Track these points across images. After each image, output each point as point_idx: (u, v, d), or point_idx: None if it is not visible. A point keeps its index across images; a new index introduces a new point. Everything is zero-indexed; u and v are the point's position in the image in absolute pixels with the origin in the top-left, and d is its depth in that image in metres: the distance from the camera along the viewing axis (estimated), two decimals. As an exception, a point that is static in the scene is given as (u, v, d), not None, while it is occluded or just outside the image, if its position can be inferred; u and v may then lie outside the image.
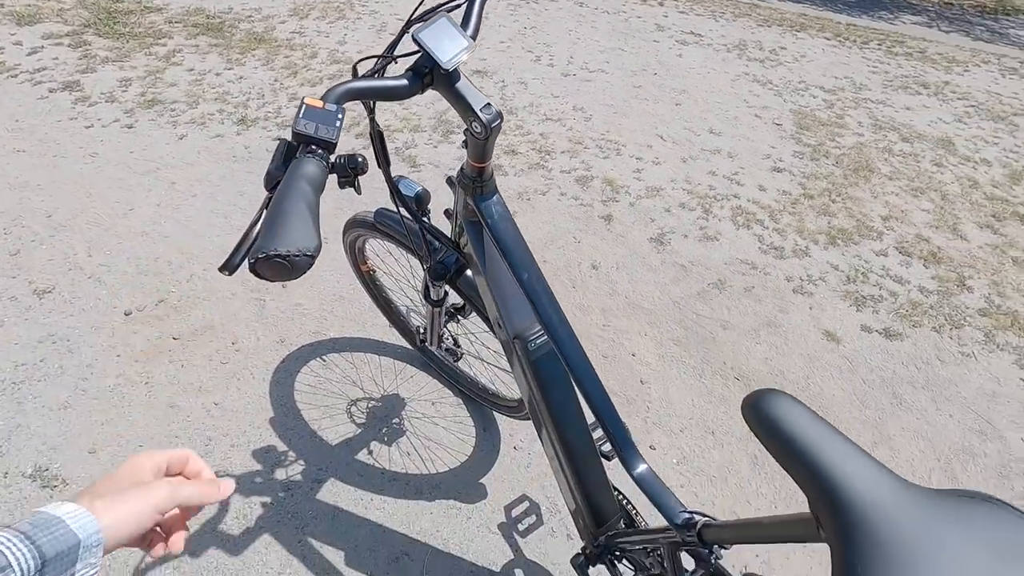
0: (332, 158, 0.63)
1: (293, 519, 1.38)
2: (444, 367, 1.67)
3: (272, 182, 0.60)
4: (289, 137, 0.63)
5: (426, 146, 2.70)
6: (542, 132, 2.88)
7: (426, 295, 1.20)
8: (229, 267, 0.56)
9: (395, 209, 1.19)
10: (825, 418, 0.54)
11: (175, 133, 2.65)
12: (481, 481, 1.49)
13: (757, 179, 2.68)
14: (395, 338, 1.81)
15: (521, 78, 3.37)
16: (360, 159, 0.68)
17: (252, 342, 1.77)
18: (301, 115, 0.60)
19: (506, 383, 1.61)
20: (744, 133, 3.04)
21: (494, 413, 1.63)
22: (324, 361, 1.74)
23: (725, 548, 0.71)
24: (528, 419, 1.43)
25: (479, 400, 1.62)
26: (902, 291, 2.15)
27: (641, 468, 0.79)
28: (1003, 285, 2.22)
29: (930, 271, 2.26)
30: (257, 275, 0.52)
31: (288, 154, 0.61)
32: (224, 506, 1.38)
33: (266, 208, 0.57)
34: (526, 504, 1.45)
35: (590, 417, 1.01)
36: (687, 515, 0.74)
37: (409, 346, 1.77)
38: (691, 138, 2.95)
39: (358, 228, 1.33)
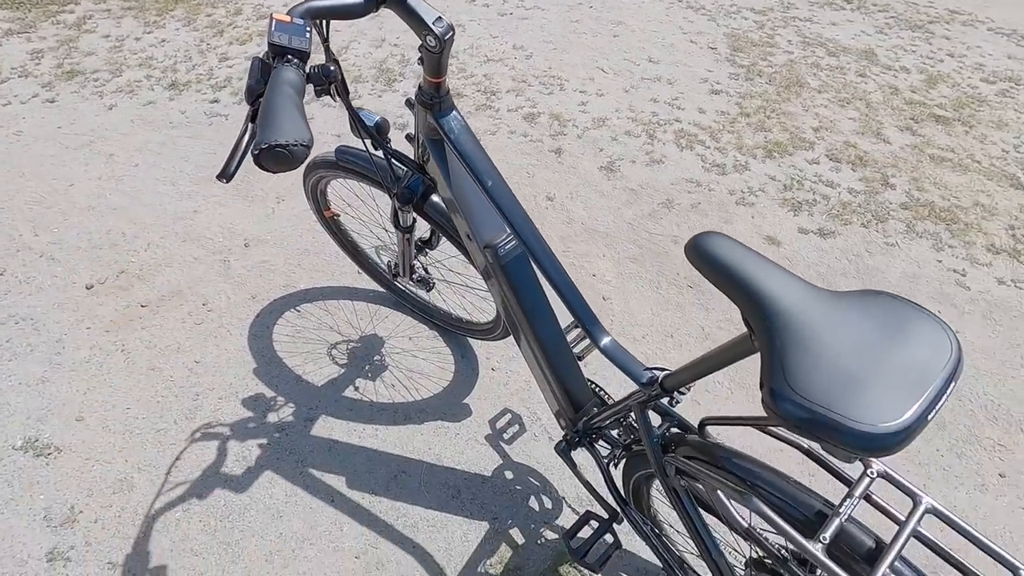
0: (306, 68, 0.68)
1: (291, 455, 1.45)
2: (417, 303, 1.74)
3: (253, 95, 0.64)
4: (262, 55, 0.67)
5: (370, 96, 2.67)
6: (485, 73, 2.88)
7: (395, 222, 1.26)
8: (226, 175, 0.61)
9: (355, 145, 1.23)
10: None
11: (103, 104, 2.53)
12: (465, 401, 1.59)
13: (696, 102, 2.78)
14: (366, 283, 1.86)
15: (458, 20, 3.32)
16: (332, 68, 0.72)
17: (223, 301, 1.79)
18: (274, 29, 0.65)
19: (478, 307, 1.70)
20: (681, 59, 3.11)
21: (470, 340, 1.73)
22: (299, 311, 1.78)
23: (684, 393, 0.83)
24: (504, 337, 1.52)
25: (454, 330, 1.70)
26: (833, 194, 2.33)
27: (606, 340, 0.90)
28: (921, 180, 2.42)
29: (857, 174, 2.43)
30: (261, 167, 0.57)
31: (264, 70, 0.65)
32: (222, 452, 1.44)
33: (252, 120, 0.62)
34: (508, 416, 1.56)
35: (563, 321, 1.11)
36: (649, 373, 0.85)
37: (380, 288, 1.83)
38: (631, 68, 3.01)
39: (319, 170, 1.36)
